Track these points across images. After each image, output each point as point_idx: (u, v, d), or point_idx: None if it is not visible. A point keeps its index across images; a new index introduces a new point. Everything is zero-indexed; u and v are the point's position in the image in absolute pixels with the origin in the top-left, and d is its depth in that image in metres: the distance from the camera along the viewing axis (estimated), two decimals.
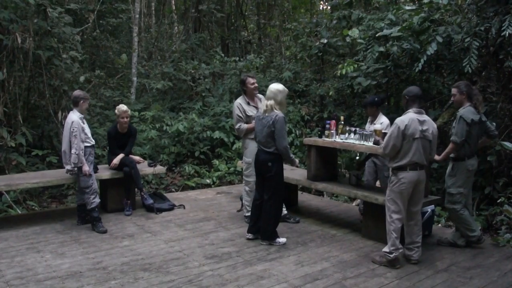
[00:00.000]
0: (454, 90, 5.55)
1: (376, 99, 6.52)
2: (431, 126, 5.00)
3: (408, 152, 4.86)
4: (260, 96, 6.52)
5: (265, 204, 5.62)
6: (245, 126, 6.27)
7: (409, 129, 4.82)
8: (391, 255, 4.98)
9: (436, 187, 7.76)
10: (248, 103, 6.39)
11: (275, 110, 5.42)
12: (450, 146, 5.43)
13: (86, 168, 5.97)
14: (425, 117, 5.01)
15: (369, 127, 6.42)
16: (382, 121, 6.37)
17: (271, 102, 5.47)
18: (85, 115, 6.27)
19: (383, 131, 5.52)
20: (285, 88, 5.58)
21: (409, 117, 4.89)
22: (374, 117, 6.51)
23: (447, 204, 5.60)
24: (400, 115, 5.06)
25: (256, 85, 6.43)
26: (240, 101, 6.41)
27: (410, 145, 4.85)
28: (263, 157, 5.55)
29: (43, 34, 8.84)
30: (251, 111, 6.31)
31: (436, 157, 5.46)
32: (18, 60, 8.53)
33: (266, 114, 5.45)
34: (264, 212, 5.63)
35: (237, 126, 6.36)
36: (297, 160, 5.90)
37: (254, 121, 5.88)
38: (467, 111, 5.32)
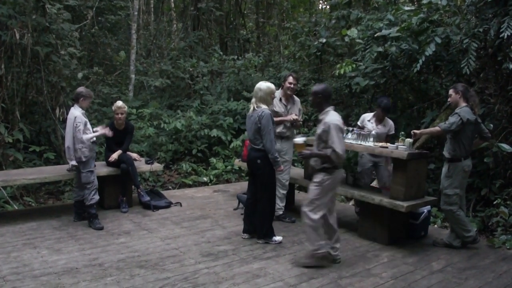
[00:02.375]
0: (450, 91, 5.63)
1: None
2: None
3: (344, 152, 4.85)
4: (296, 99, 6.59)
5: (258, 202, 5.63)
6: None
7: (344, 128, 4.90)
8: (320, 251, 4.96)
9: (433, 188, 7.77)
10: (280, 99, 6.44)
11: (262, 106, 5.45)
12: (435, 129, 5.64)
13: (103, 131, 6.29)
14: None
15: (373, 127, 6.45)
16: (390, 123, 6.65)
17: (253, 99, 5.58)
18: (85, 111, 6.27)
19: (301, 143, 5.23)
20: (270, 87, 5.54)
21: (338, 115, 4.91)
22: (380, 121, 6.54)
23: (444, 205, 5.63)
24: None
25: (292, 86, 6.38)
26: (279, 92, 6.45)
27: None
28: (253, 154, 5.56)
29: (41, 30, 8.82)
30: (278, 107, 6.36)
31: (415, 131, 5.67)
32: (16, 56, 8.52)
33: (254, 112, 5.48)
34: (258, 210, 5.64)
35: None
36: (282, 166, 5.66)
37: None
38: (463, 111, 5.38)
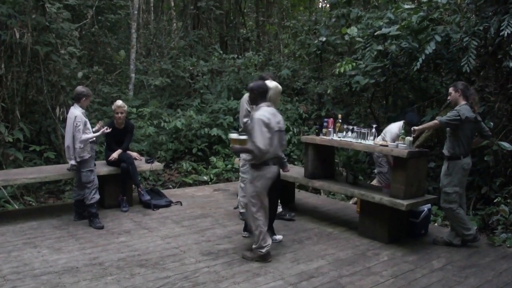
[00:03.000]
0: (450, 89, 5.63)
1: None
2: (280, 117, 5.09)
3: (272, 146, 4.86)
4: None
5: None
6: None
7: (271, 122, 4.84)
8: (263, 250, 5.00)
9: (433, 186, 7.77)
10: None
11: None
12: (433, 122, 5.66)
13: (101, 130, 6.23)
14: (274, 110, 5.06)
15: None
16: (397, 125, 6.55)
17: None
18: (85, 111, 6.27)
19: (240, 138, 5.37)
20: (278, 86, 5.53)
21: (268, 112, 4.89)
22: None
23: (443, 203, 5.63)
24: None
25: None
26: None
27: (272, 139, 4.85)
28: None
29: (41, 29, 8.82)
30: None
31: (415, 128, 5.61)
32: (16, 56, 8.51)
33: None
34: None
35: (245, 120, 6.31)
36: (288, 167, 5.58)
37: None
38: (463, 108, 5.38)
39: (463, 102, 5.46)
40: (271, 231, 5.68)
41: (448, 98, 5.70)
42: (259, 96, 5.00)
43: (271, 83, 5.50)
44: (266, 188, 4.97)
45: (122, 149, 6.94)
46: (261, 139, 4.71)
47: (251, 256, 5.09)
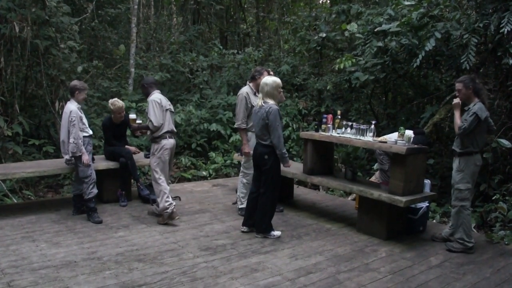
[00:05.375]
0: (459, 85, 5.38)
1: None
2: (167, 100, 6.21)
3: (165, 122, 5.99)
4: None
5: (261, 197, 5.63)
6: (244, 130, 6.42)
7: (162, 102, 5.99)
8: (169, 209, 5.97)
9: (432, 183, 7.77)
10: (255, 93, 6.40)
11: (269, 102, 5.43)
12: (456, 127, 5.35)
13: (86, 157, 5.97)
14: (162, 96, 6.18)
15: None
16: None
17: (260, 95, 5.55)
18: (82, 105, 6.26)
19: (137, 121, 6.35)
20: (276, 81, 5.50)
21: (159, 96, 6.05)
22: None
23: (455, 201, 5.45)
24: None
25: None
26: (247, 90, 6.42)
27: (165, 116, 6.00)
28: (260, 150, 5.55)
29: (41, 23, 8.79)
30: (254, 100, 6.35)
31: (457, 119, 5.38)
32: (15, 49, 8.50)
33: (261, 107, 5.45)
34: (260, 205, 5.65)
35: (239, 123, 6.36)
36: (289, 162, 5.68)
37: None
38: (480, 109, 5.19)
39: (475, 99, 5.29)
40: (271, 227, 5.71)
41: (457, 94, 5.48)
42: (149, 87, 6.15)
43: (268, 78, 5.51)
44: (167, 157, 6.04)
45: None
46: (154, 116, 5.87)
47: (162, 220, 6.05)
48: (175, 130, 6.24)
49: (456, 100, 5.45)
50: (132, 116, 6.35)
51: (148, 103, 5.98)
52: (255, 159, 5.69)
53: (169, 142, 6.05)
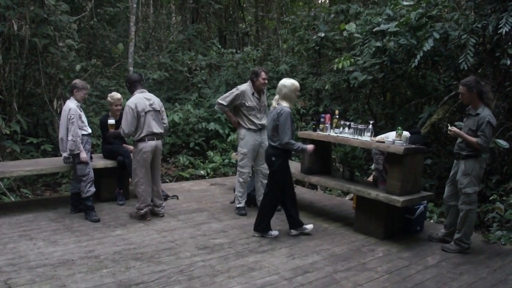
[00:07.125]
0: (462, 89, 5.22)
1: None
2: (154, 99, 6.12)
3: (144, 125, 5.90)
4: (264, 90, 6.67)
5: (263, 197, 5.66)
6: (226, 109, 6.61)
7: (139, 106, 5.85)
8: (142, 211, 6.10)
9: (430, 183, 7.79)
10: (253, 94, 6.45)
11: (282, 104, 5.41)
12: (474, 142, 5.10)
13: (84, 155, 5.98)
14: (148, 94, 6.12)
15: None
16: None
17: (276, 96, 5.52)
18: (81, 104, 6.25)
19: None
20: (294, 83, 5.45)
21: (137, 98, 5.93)
22: None
23: (462, 205, 5.33)
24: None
25: (266, 81, 6.54)
26: (246, 87, 6.48)
27: (144, 119, 5.90)
28: (269, 151, 5.56)
29: (39, 21, 8.78)
30: (251, 101, 6.40)
31: (470, 138, 5.15)
32: (14, 48, 8.49)
33: (274, 108, 5.45)
34: (261, 205, 5.67)
35: (221, 101, 6.53)
36: (308, 146, 5.57)
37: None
38: (490, 116, 5.08)
39: (481, 104, 5.17)
40: (269, 227, 5.71)
41: (460, 97, 5.40)
42: (132, 85, 6.10)
43: (287, 81, 5.47)
44: (147, 160, 5.98)
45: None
46: (125, 125, 5.86)
47: (134, 215, 6.22)
48: (159, 130, 6.08)
49: (453, 130, 5.30)
50: (111, 121, 6.49)
51: (124, 107, 5.96)
52: (265, 159, 5.70)
53: (148, 144, 5.95)
